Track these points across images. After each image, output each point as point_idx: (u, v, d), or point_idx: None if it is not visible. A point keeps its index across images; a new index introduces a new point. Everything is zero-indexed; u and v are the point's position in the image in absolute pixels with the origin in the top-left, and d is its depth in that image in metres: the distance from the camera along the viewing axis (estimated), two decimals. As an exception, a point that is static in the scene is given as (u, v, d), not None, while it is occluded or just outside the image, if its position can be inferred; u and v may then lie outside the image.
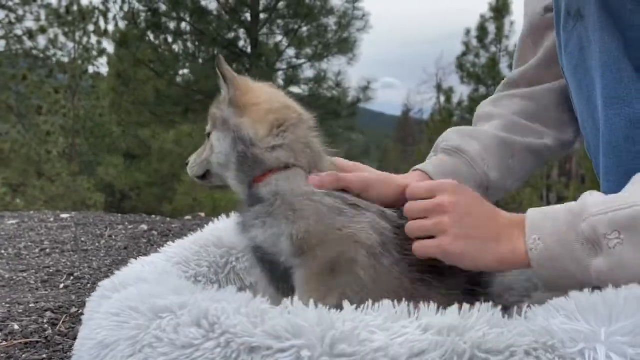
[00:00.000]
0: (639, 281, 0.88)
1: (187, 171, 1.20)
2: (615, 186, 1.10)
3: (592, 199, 0.92)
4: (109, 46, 20.82)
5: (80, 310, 1.73)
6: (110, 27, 20.85)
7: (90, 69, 21.51)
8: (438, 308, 0.79)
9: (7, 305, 1.71)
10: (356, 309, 0.78)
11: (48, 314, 1.63)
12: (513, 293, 1.12)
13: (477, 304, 0.78)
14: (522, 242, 0.95)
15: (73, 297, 1.86)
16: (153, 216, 4.09)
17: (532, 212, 0.98)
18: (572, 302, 0.79)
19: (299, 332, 0.72)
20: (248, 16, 12.24)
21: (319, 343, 0.71)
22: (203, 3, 12.33)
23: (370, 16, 11.98)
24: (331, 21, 11.86)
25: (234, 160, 1.10)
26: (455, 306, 0.78)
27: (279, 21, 12.25)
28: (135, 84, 12.95)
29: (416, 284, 1.07)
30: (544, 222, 0.94)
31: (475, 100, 18.54)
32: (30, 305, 1.71)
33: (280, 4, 11.99)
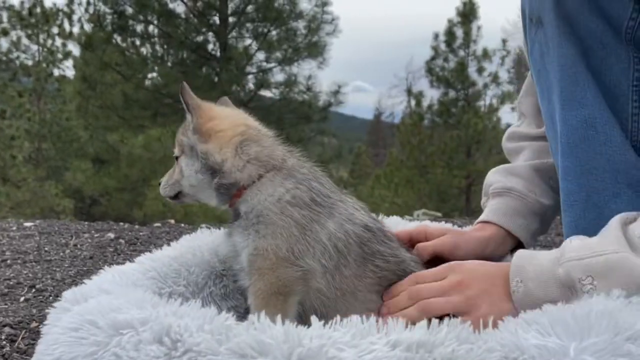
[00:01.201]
0: None
1: (160, 191, 1.26)
2: (574, 185, 1.15)
3: (571, 245, 0.96)
4: (74, 49, 20.44)
5: (41, 325, 1.67)
6: (76, 30, 20.49)
7: (56, 72, 21.09)
8: (406, 323, 0.77)
9: (-36, 321, 1.64)
10: (324, 324, 0.76)
11: (6, 329, 1.56)
12: None
13: (446, 319, 0.77)
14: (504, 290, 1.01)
15: (34, 310, 1.79)
16: (121, 224, 4.01)
17: (518, 254, 1.04)
18: (545, 316, 0.78)
19: (265, 350, 0.70)
20: (217, 19, 12.16)
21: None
22: (171, 6, 12.21)
23: (339, 20, 12.03)
24: (300, 25, 11.86)
25: (208, 186, 1.16)
26: (424, 321, 0.77)
27: (248, 25, 12.20)
28: (102, 88, 12.73)
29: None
30: (527, 267, 0.99)
31: (444, 104, 18.77)
32: (-12, 320, 1.64)
33: (249, 8, 11.94)
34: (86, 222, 3.95)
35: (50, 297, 1.96)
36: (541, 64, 1.20)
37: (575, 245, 0.95)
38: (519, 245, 1.38)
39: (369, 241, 1.11)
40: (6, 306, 1.85)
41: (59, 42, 20.31)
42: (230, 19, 11.85)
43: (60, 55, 20.49)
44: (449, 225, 1.48)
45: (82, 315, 0.85)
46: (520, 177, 1.42)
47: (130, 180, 13.59)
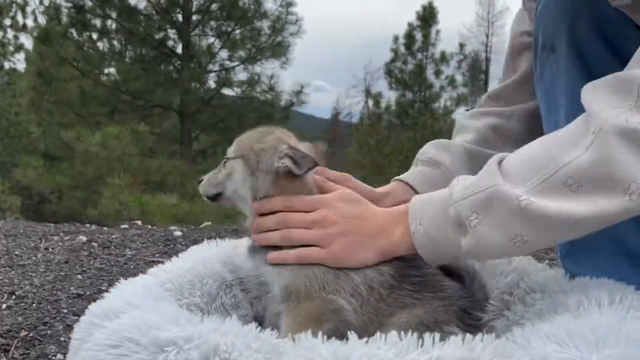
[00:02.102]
0: (498, 255, 1.13)
1: (199, 189, 1.22)
2: None
3: (457, 185, 1.03)
4: (27, 41, 19.73)
5: (31, 334, 1.63)
6: (29, 22, 19.78)
7: (7, 65, 20.31)
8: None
9: (-52, 331, 1.59)
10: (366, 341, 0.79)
11: (-3, 339, 1.52)
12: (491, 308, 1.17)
13: (479, 334, 0.81)
14: (400, 232, 1.07)
15: (19, 318, 1.75)
16: (87, 225, 3.92)
17: (415, 199, 1.10)
18: (562, 329, 0.83)
19: None
20: (180, 17, 11.98)
21: (335, 377, 0.71)
22: (132, 1, 11.95)
23: (303, 21, 12.05)
24: (265, 25, 11.82)
25: (249, 195, 1.15)
26: (459, 337, 0.80)
27: (212, 23, 12.07)
28: (58, 83, 12.34)
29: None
30: (424, 208, 1.07)
31: (402, 105, 19.05)
32: (-26, 330, 1.60)
33: (214, 6, 11.82)
34: (52, 224, 3.84)
35: (33, 304, 1.91)
36: (550, 87, 1.29)
37: (460, 185, 1.02)
38: None
39: (402, 271, 1.11)
40: (-11, 314, 1.80)
41: (10, 34, 19.59)
42: (194, 17, 11.70)
43: (11, 48, 19.76)
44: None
45: (119, 332, 0.84)
46: (453, 155, 1.46)
47: (85, 178, 13.23)
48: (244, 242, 1.31)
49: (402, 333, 0.80)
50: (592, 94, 0.99)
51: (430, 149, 1.48)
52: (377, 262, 1.09)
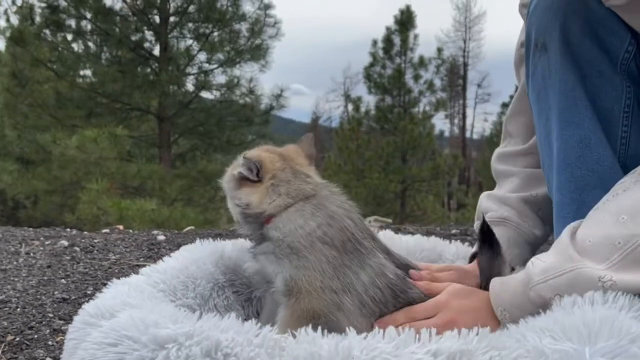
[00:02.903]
0: None
1: None
2: (567, 199, 1.28)
3: (534, 269, 1.07)
4: (-1, 42, 19.36)
5: (18, 338, 1.61)
6: (2, 23, 19.42)
7: (-22, 67, 19.90)
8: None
9: None
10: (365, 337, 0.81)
11: (-17, 344, 1.50)
12: None
13: (475, 328, 0.83)
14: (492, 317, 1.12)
15: (5, 323, 1.72)
16: (68, 230, 3.87)
17: (492, 288, 1.14)
18: (556, 324, 0.86)
19: None
20: (157, 18, 11.88)
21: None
22: (108, 2, 11.82)
23: (282, 23, 12.05)
24: (243, 27, 11.79)
25: (240, 218, 1.23)
26: (455, 331, 0.83)
27: (190, 25, 11.99)
28: (33, 85, 12.14)
29: None
30: (502, 295, 1.11)
31: (381, 110, 19.17)
32: (-41, 335, 1.57)
33: (191, 8, 11.75)
34: (31, 229, 3.78)
35: (18, 309, 1.89)
36: (542, 87, 1.31)
37: (538, 269, 1.06)
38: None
39: (400, 289, 1.17)
40: (-27, 319, 1.77)
41: (-18, 35, 19.18)
42: (172, 19, 11.61)
43: (-17, 49, 19.35)
44: (446, 263, 1.56)
45: (117, 330, 0.84)
46: (513, 208, 1.53)
47: (62, 183, 13.02)
48: (239, 242, 1.33)
49: (400, 328, 0.82)
50: None
51: (492, 206, 1.56)
52: None
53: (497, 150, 1.69)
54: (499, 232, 1.46)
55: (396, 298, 1.15)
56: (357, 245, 1.15)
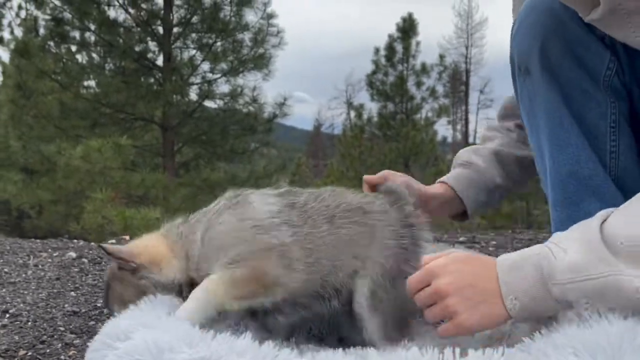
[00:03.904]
0: None
1: None
2: (564, 215, 1.31)
3: (557, 263, 1.01)
4: (3, 54, 19.49)
5: (30, 353, 1.63)
6: (6, 35, 19.54)
7: (-18, 78, 20.01)
8: None
9: (-54, 351, 1.58)
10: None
11: (-4, 358, 1.52)
12: None
13: (500, 348, 0.84)
14: (502, 305, 1.05)
15: (16, 337, 1.74)
16: (75, 241, 3.89)
17: (501, 270, 1.07)
18: (576, 340, 0.87)
19: None
20: (161, 29, 11.95)
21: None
22: (112, 14, 11.90)
23: (284, 33, 12.09)
24: (246, 37, 11.83)
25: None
26: (480, 350, 0.84)
27: (193, 35, 12.05)
28: (38, 96, 12.21)
29: None
30: (515, 283, 1.04)
31: (384, 117, 19.19)
32: (-28, 350, 1.59)
33: (195, 18, 11.81)
34: (39, 240, 3.81)
35: (29, 323, 1.90)
36: (530, 108, 1.36)
37: (563, 265, 1.00)
38: (464, 212, 1.74)
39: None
40: (-15, 333, 1.79)
41: (-14, 47, 19.32)
42: (175, 29, 11.68)
43: (-13, 61, 19.48)
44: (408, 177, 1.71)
45: (130, 354, 0.85)
46: (482, 156, 1.76)
47: (66, 193, 13.05)
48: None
49: (424, 349, 0.84)
50: None
51: (464, 153, 1.80)
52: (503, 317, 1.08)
53: (490, 123, 1.91)
54: (462, 172, 1.74)
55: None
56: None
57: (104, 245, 1.29)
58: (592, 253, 0.98)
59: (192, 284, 1.20)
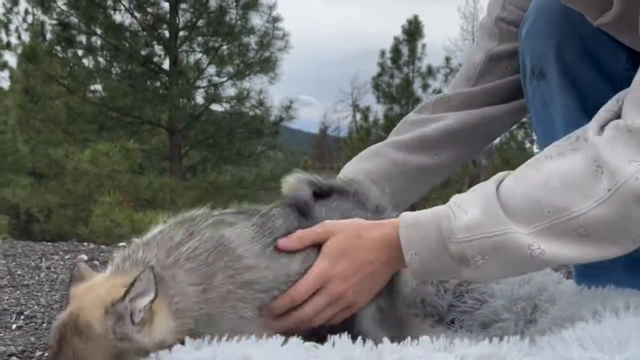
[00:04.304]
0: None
1: None
2: None
3: (456, 222, 1.04)
4: (11, 59, 19.66)
5: (46, 354, 1.64)
6: (13, 40, 19.72)
7: (-11, 83, 20.22)
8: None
9: (-37, 351, 1.60)
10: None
11: (13, 359, 1.54)
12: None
13: (506, 337, 0.86)
14: (398, 259, 1.09)
15: (32, 338, 1.76)
16: (85, 243, 3.92)
17: (403, 226, 1.08)
18: (585, 333, 0.89)
19: None
20: (167, 33, 12.02)
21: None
22: (118, 18, 11.99)
23: (290, 36, 12.15)
24: (252, 40, 11.89)
25: None
26: (486, 340, 0.85)
27: (199, 39, 12.12)
28: (45, 101, 12.30)
29: None
30: (415, 239, 1.06)
31: (390, 119, 19.21)
32: (-11, 350, 1.61)
33: (200, 22, 11.88)
34: (50, 243, 3.83)
35: (44, 325, 1.92)
36: (543, 112, 1.34)
37: (461, 223, 1.03)
38: None
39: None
40: (1, 334, 1.81)
41: (-7, 52, 19.52)
42: (181, 33, 11.75)
43: (-5, 66, 19.68)
44: None
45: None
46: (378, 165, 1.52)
47: (74, 196, 13.14)
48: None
49: (434, 337, 0.85)
50: (607, 143, 1.00)
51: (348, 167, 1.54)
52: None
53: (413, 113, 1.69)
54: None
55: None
56: None
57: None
58: (488, 213, 1.02)
59: None
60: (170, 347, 0.88)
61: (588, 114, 1.24)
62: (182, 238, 1.01)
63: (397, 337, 1.04)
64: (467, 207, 1.04)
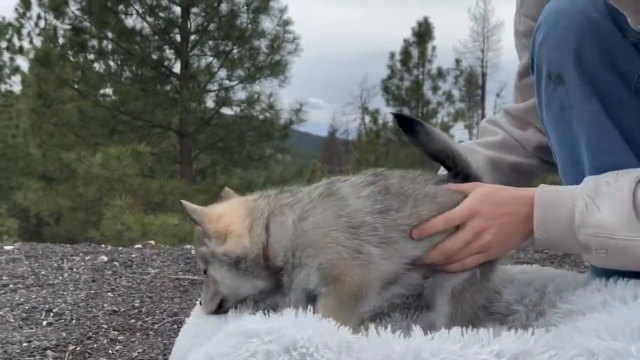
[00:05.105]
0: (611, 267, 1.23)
1: (203, 310, 1.29)
2: None
3: (589, 217, 1.16)
4: (23, 64, 19.87)
5: (79, 348, 1.70)
6: (25, 44, 19.93)
7: (2, 88, 20.43)
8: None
9: (0, 346, 1.65)
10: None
11: (49, 352, 1.60)
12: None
13: (530, 329, 0.90)
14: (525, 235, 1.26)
15: (63, 334, 1.82)
16: (103, 245, 3.98)
17: (538, 205, 1.22)
18: (599, 324, 0.95)
19: None
20: (178, 37, 12.12)
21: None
22: (130, 23, 12.10)
23: (300, 39, 12.20)
24: (263, 44, 11.96)
25: (242, 277, 1.24)
26: (512, 331, 0.90)
27: (210, 42, 12.21)
28: (58, 105, 12.42)
29: None
30: (548, 220, 1.21)
31: (399, 122, 19.22)
32: (24, 345, 1.67)
33: (211, 26, 11.97)
34: (69, 245, 3.90)
35: (73, 321, 1.98)
36: (561, 118, 1.35)
37: (594, 220, 1.15)
38: None
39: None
40: (33, 330, 1.87)
41: (7, 56, 19.73)
42: (192, 37, 11.84)
43: (7, 71, 19.89)
44: None
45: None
46: (477, 164, 1.58)
47: (86, 199, 13.24)
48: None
49: (464, 329, 0.89)
50: None
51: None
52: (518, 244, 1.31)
53: (493, 116, 1.83)
54: None
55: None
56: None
57: (184, 202, 1.25)
58: (621, 217, 1.12)
59: (266, 259, 1.20)
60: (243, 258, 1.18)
61: (609, 116, 1.28)
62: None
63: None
64: (601, 204, 1.15)
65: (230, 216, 1.25)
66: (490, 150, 1.67)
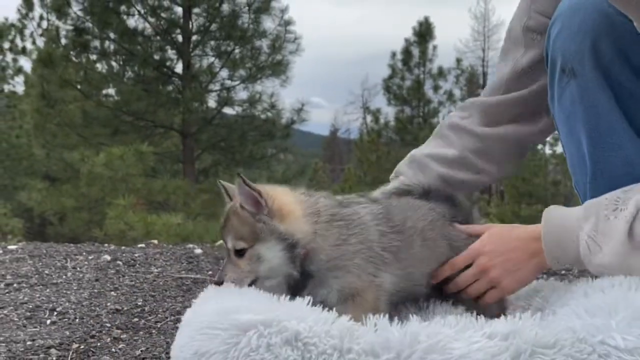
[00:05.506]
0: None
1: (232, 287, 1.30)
2: None
3: (593, 258, 1.23)
4: (26, 64, 19.94)
5: (82, 346, 1.72)
6: (28, 45, 19.99)
7: (6, 88, 20.49)
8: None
9: (4, 344, 1.68)
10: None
11: (53, 351, 1.62)
12: None
13: (517, 313, 0.98)
14: (543, 260, 1.33)
15: (67, 332, 1.84)
16: (106, 245, 4.00)
17: (547, 242, 1.30)
18: (579, 307, 1.04)
19: (390, 347, 0.84)
20: (180, 37, 12.15)
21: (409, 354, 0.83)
22: (132, 23, 12.14)
23: (302, 39, 12.23)
24: (264, 44, 11.99)
25: (288, 261, 1.25)
26: (502, 318, 0.95)
27: (212, 43, 12.24)
28: (61, 105, 12.48)
29: None
30: (559, 254, 1.30)
31: (401, 121, 19.25)
32: (28, 344, 1.69)
33: (213, 26, 12.00)
34: (72, 244, 3.93)
35: (76, 320, 2.00)
36: (571, 112, 1.36)
37: (597, 261, 1.23)
38: None
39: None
40: (37, 329, 1.89)
41: (9, 57, 19.79)
42: (194, 37, 11.87)
43: (10, 71, 19.95)
44: None
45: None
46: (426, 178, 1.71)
47: (89, 199, 13.29)
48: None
49: (459, 316, 0.94)
50: None
51: (406, 170, 1.82)
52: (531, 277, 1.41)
53: (453, 119, 1.82)
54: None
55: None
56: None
57: (242, 176, 1.26)
58: (618, 259, 1.19)
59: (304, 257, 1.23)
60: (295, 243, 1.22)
61: (620, 111, 1.30)
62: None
63: None
64: (602, 242, 1.22)
65: (288, 198, 1.29)
66: (442, 166, 1.73)
